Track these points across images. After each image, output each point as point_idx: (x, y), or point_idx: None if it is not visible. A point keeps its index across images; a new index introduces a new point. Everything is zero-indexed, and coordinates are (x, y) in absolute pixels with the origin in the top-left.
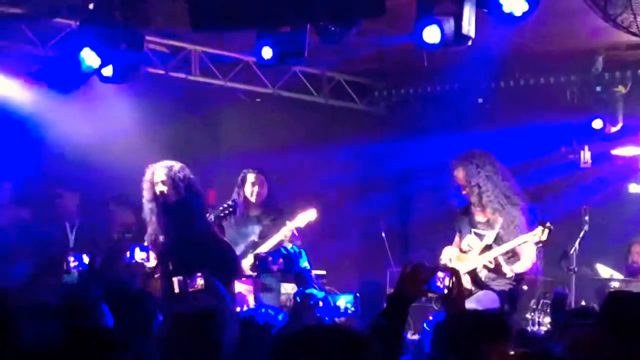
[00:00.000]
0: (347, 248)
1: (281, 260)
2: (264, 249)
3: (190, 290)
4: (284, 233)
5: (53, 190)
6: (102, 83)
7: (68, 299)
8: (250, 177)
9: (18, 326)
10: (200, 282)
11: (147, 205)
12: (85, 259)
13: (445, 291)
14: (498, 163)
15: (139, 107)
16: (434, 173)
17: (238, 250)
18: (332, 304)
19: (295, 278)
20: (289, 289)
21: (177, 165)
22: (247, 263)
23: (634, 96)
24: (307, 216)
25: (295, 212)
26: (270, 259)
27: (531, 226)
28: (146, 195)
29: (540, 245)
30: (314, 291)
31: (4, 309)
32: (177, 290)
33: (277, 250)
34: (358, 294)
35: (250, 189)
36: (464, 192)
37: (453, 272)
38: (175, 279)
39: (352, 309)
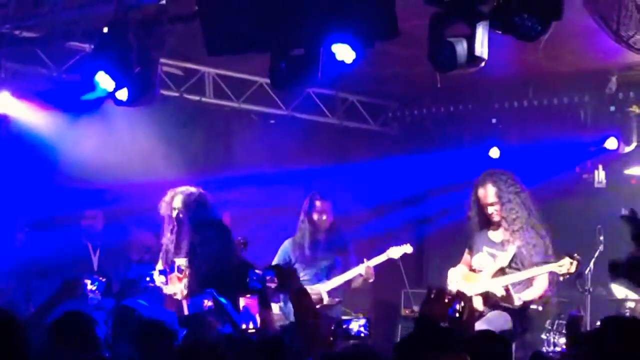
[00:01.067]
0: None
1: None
2: (343, 278)
3: (199, 311)
4: (367, 265)
5: (78, 212)
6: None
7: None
8: (318, 203)
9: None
10: (207, 303)
11: (167, 227)
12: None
13: (457, 315)
14: (522, 183)
15: (153, 129)
16: (448, 193)
17: (308, 275)
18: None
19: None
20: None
21: (196, 192)
22: (325, 288)
23: None
24: (403, 249)
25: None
26: (268, 278)
27: (548, 249)
28: (163, 213)
29: (567, 277)
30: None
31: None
32: (186, 312)
33: (272, 267)
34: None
35: (318, 215)
36: (488, 211)
37: (462, 297)
38: (184, 301)
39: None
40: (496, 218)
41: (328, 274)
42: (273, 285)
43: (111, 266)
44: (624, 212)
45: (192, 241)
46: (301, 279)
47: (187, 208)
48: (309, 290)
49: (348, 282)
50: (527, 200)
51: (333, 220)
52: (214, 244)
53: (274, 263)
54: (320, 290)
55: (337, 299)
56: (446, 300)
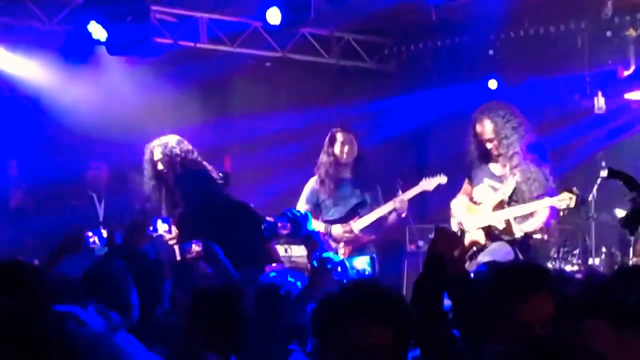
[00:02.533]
0: None
1: (288, 224)
2: (376, 214)
3: (187, 256)
4: (401, 199)
5: (82, 162)
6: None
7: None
8: (340, 136)
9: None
10: (195, 248)
11: (149, 183)
12: (104, 234)
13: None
14: (522, 116)
15: (149, 76)
16: (448, 127)
17: (338, 213)
18: (349, 266)
19: (303, 241)
20: (299, 251)
21: (172, 141)
22: (358, 226)
23: None
24: (437, 181)
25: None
26: (280, 224)
27: (547, 182)
28: (147, 173)
29: (567, 211)
30: (331, 255)
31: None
32: (178, 257)
33: (283, 215)
34: (374, 254)
35: (340, 147)
36: (487, 146)
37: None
38: (176, 247)
39: (369, 269)
40: (495, 152)
41: (360, 212)
42: (285, 232)
43: (117, 216)
44: (605, 174)
45: (178, 190)
46: (331, 217)
47: (166, 157)
48: (341, 228)
49: (382, 219)
50: (526, 135)
51: (358, 154)
52: (192, 190)
53: (301, 202)
54: (354, 228)
55: (372, 236)
56: (453, 240)
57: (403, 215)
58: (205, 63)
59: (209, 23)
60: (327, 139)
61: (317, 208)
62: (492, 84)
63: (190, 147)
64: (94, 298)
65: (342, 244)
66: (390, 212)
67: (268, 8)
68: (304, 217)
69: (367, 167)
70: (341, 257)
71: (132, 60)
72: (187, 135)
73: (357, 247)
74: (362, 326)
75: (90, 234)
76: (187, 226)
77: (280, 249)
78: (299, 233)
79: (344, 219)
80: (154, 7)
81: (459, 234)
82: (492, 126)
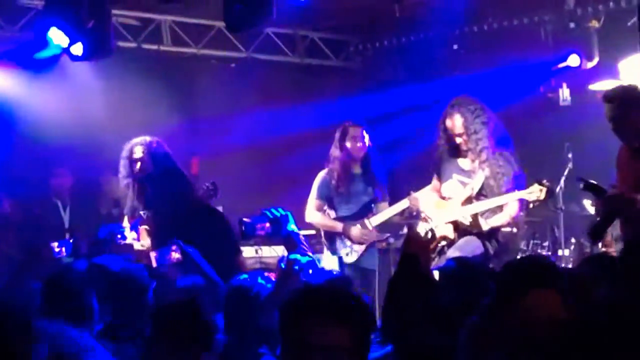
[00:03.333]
0: None
1: (267, 224)
2: (391, 212)
3: (166, 264)
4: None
5: (47, 170)
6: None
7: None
8: (352, 130)
9: None
10: (175, 255)
11: (124, 181)
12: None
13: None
14: (491, 111)
15: (113, 81)
16: (415, 123)
17: (351, 210)
18: (318, 267)
19: (283, 242)
20: (279, 251)
21: (154, 141)
22: (372, 223)
23: (607, 30)
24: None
25: None
26: (259, 225)
27: (517, 178)
28: (123, 171)
29: (537, 204)
30: (298, 256)
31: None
32: (154, 264)
33: (262, 215)
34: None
35: (352, 142)
36: (456, 140)
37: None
38: (152, 254)
39: (337, 269)
40: (464, 147)
41: (372, 208)
42: (263, 233)
43: (82, 223)
44: (581, 185)
45: (155, 191)
46: (345, 214)
47: (148, 156)
48: (360, 230)
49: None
50: (496, 130)
51: (367, 149)
52: (169, 192)
53: (312, 198)
54: (368, 225)
55: (387, 235)
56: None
57: (414, 213)
58: (170, 66)
59: (172, 25)
60: (338, 133)
61: (329, 203)
62: (458, 78)
63: (168, 150)
64: (53, 306)
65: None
66: (403, 210)
67: (231, 9)
68: (284, 217)
69: (376, 163)
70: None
71: (96, 65)
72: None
73: (370, 247)
74: (320, 326)
75: (56, 244)
76: (160, 229)
77: (251, 250)
78: (279, 233)
79: (357, 216)
80: (115, 12)
81: (429, 235)
82: (461, 120)
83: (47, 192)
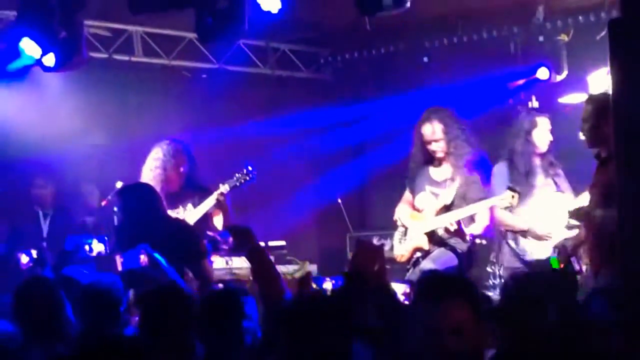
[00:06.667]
0: (305, 217)
1: (231, 239)
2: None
3: (134, 267)
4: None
5: (25, 180)
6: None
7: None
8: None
9: None
10: (143, 258)
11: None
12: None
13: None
14: (464, 120)
15: (85, 92)
16: (385, 135)
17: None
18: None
19: (247, 256)
20: (240, 262)
21: None
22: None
23: (577, 43)
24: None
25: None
26: (221, 239)
27: (486, 185)
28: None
29: (509, 209)
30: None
31: None
32: (120, 268)
33: (226, 229)
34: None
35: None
36: (432, 147)
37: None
38: (117, 258)
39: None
40: (440, 155)
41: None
42: (226, 247)
43: (60, 233)
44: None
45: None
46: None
47: None
48: None
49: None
50: (470, 138)
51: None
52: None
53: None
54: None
55: None
56: (373, 254)
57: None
58: (141, 76)
59: (143, 36)
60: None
61: None
62: (428, 90)
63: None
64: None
65: None
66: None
67: (202, 20)
68: (248, 232)
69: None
70: None
71: (68, 76)
72: (125, 148)
73: None
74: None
75: (22, 255)
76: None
77: (221, 261)
78: (243, 248)
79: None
80: (87, 22)
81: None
82: (441, 126)
83: (28, 202)
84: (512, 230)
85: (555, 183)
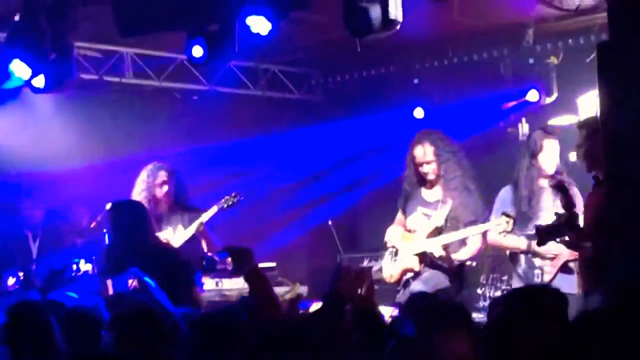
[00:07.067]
0: (296, 238)
1: (229, 260)
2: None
3: (123, 291)
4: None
5: (16, 202)
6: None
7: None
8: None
9: None
10: (131, 282)
11: None
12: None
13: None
14: (456, 143)
15: (75, 113)
16: (376, 156)
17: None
18: None
19: (245, 277)
20: (239, 283)
21: None
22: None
23: (566, 66)
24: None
25: None
26: (219, 260)
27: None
28: None
29: (504, 235)
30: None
31: None
32: (111, 291)
33: (224, 250)
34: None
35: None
36: (424, 169)
37: (363, 274)
38: (108, 281)
39: None
40: (431, 177)
41: None
42: (222, 267)
43: (50, 254)
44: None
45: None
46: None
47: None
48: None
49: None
50: (462, 160)
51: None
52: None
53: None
54: None
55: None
56: (356, 278)
57: None
58: (132, 98)
59: (134, 58)
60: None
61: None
62: (419, 112)
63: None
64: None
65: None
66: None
67: (193, 43)
68: (247, 253)
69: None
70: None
71: (59, 97)
72: (115, 169)
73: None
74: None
75: (10, 277)
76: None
77: (211, 282)
78: (241, 269)
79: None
80: (77, 44)
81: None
82: (432, 149)
83: (19, 224)
84: (517, 252)
85: None
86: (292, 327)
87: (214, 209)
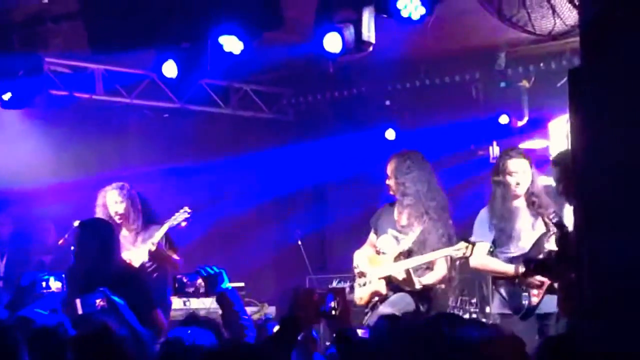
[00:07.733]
0: (264, 258)
1: (199, 281)
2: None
3: (92, 311)
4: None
5: None
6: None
7: None
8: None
9: None
10: (99, 302)
11: None
12: None
13: (333, 312)
14: (431, 171)
15: (45, 129)
16: (345, 177)
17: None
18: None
19: (217, 299)
20: (207, 303)
21: None
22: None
23: (537, 90)
24: None
25: None
26: (188, 282)
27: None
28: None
29: (462, 261)
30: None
31: None
32: (80, 311)
33: (196, 272)
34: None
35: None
36: (389, 190)
37: (337, 293)
38: (77, 301)
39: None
40: (398, 197)
41: None
42: (192, 290)
43: (18, 271)
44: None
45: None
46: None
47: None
48: None
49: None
50: (425, 190)
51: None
52: (91, 242)
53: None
54: None
55: None
56: (315, 300)
57: None
58: (102, 115)
59: (104, 74)
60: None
61: None
62: (390, 133)
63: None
64: None
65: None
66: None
67: (164, 61)
68: (218, 275)
69: None
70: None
71: (29, 113)
72: (85, 186)
73: None
74: None
75: None
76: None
77: (179, 302)
78: (213, 291)
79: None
80: (47, 59)
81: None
82: (392, 167)
83: None
84: (503, 277)
85: (546, 223)
86: (240, 350)
87: (164, 228)
